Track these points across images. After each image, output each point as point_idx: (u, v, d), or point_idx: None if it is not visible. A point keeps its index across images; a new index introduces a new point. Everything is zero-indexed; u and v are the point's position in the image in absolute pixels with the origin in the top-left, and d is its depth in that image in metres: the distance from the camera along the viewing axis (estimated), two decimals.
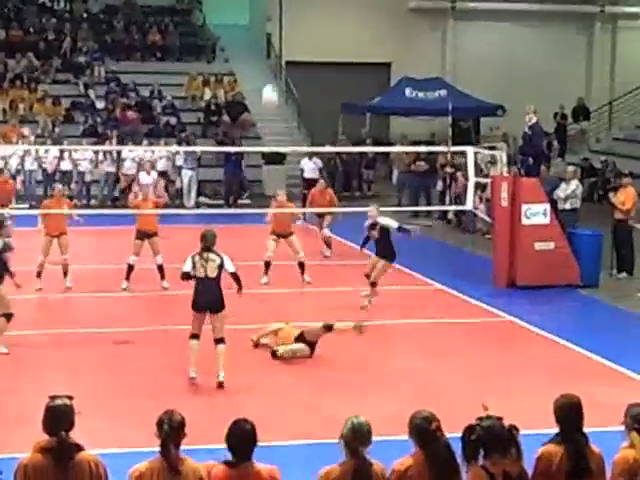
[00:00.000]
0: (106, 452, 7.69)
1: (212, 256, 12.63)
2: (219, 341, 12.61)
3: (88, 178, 29.87)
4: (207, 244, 12.67)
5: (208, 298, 12.59)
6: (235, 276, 12.95)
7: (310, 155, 29.74)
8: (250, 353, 14.18)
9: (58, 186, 19.64)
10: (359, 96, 34.66)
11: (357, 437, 6.24)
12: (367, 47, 37.54)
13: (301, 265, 19.01)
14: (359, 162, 33.02)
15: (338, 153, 32.02)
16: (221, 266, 12.61)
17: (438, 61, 39.05)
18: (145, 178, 25.78)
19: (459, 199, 25.11)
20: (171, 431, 6.33)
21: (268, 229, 19.31)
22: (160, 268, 18.08)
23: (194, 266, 12.63)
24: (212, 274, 12.58)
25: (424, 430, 6.29)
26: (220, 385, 12.44)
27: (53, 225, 18.16)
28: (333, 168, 32.61)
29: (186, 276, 12.83)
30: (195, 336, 12.71)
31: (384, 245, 17.06)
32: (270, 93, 19.15)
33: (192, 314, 12.78)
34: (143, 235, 18.03)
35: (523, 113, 21.27)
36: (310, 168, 29.68)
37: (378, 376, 13.20)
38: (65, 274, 18.10)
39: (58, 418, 6.36)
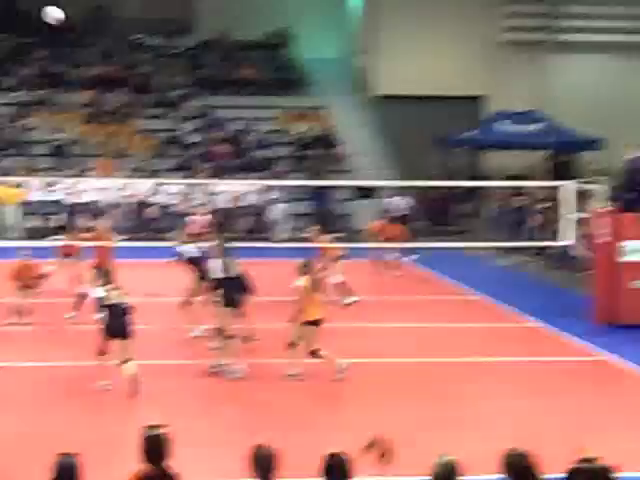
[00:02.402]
0: None
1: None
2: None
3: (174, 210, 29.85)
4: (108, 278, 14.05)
5: (118, 325, 13.36)
6: None
7: (401, 192, 29.64)
8: (343, 388, 13.98)
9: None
10: (449, 129, 34.41)
11: (446, 475, 6.19)
12: (458, 81, 37.35)
13: None
14: (450, 197, 32.71)
15: (429, 187, 31.80)
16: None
17: (531, 94, 38.57)
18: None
19: (554, 234, 24.67)
20: (264, 465, 6.37)
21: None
22: None
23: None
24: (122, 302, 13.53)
25: (520, 467, 6.18)
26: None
27: None
28: (424, 203, 32.39)
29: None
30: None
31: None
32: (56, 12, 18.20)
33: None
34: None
35: (622, 147, 20.76)
36: (399, 204, 29.57)
37: (474, 413, 12.90)
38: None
39: (156, 448, 6.42)
